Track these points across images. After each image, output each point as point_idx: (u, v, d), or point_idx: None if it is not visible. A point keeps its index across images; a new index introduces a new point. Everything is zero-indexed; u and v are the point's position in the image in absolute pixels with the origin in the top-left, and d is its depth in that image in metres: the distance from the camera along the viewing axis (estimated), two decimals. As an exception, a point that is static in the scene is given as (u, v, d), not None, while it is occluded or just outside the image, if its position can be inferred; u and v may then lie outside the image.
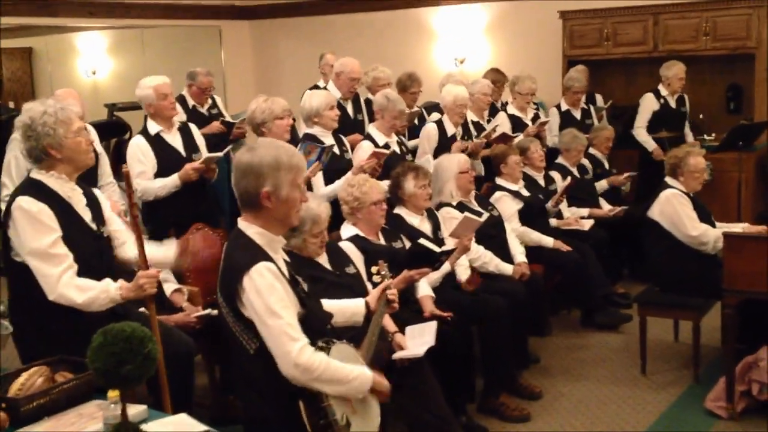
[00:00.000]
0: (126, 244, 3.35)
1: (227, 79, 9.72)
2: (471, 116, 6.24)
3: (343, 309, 3.10)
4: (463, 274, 4.57)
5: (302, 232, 3.58)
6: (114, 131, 9.25)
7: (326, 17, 9.54)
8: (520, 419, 4.33)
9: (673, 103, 7.07)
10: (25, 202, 3.03)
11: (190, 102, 6.42)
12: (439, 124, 5.73)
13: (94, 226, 3.21)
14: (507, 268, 4.87)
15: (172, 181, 4.73)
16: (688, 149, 5.01)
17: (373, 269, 3.33)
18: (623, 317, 5.68)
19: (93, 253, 3.16)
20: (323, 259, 3.75)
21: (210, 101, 6.57)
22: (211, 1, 9.62)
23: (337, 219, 4.27)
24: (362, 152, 5.03)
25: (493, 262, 4.85)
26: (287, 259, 2.81)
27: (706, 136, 7.46)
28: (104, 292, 3.05)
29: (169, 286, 4.20)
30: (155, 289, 3.11)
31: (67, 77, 11.40)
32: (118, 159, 8.46)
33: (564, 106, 7.16)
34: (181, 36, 10.10)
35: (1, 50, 11.62)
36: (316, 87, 6.54)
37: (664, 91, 7.06)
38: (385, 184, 4.61)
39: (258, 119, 4.63)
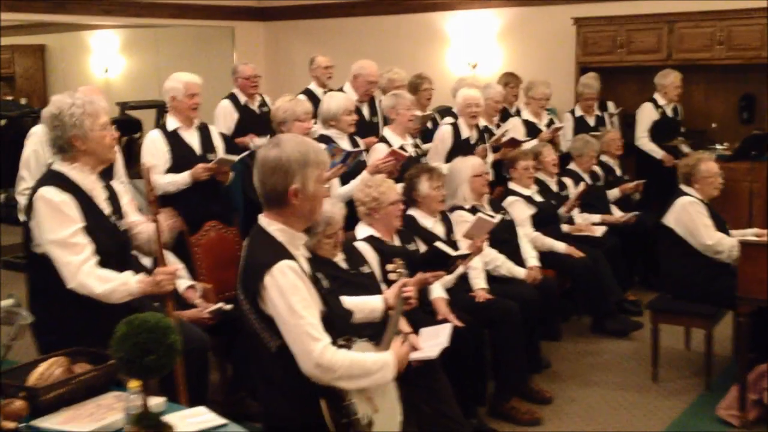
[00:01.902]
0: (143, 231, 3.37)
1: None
2: (481, 122, 6.25)
3: (362, 305, 3.11)
4: (477, 278, 4.56)
5: (316, 233, 3.59)
6: (126, 129, 9.26)
7: (340, 20, 9.56)
8: (531, 423, 4.33)
9: (670, 112, 7.10)
10: (48, 192, 3.03)
11: (242, 99, 6.39)
12: (455, 127, 5.74)
13: (113, 220, 3.22)
14: (519, 272, 4.87)
15: (182, 178, 4.75)
16: (699, 156, 5.00)
17: (389, 266, 3.32)
18: (633, 324, 5.67)
19: (112, 247, 3.16)
20: (339, 258, 3.75)
21: (260, 98, 6.53)
22: (226, 1, 9.64)
23: (351, 220, 4.29)
24: (377, 155, 5.04)
25: (505, 266, 4.84)
26: (309, 255, 2.81)
27: (718, 146, 7.44)
28: (124, 284, 3.06)
29: (183, 283, 4.20)
30: (173, 286, 3.12)
31: (79, 75, 11.45)
32: (129, 157, 8.49)
33: (578, 112, 7.20)
34: (194, 36, 10.13)
35: (15, 47, 11.72)
36: (309, 91, 6.55)
37: (661, 101, 7.07)
38: (400, 186, 4.61)
39: (279, 117, 4.65)
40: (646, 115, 7.09)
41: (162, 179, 4.69)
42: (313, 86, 6.71)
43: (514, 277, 4.85)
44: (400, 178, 4.76)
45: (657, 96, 7.09)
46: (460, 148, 5.57)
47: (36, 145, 4.50)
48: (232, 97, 6.37)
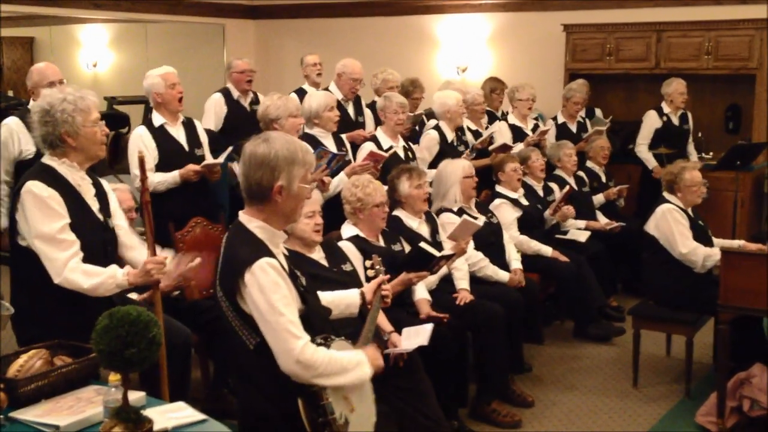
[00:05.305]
0: (131, 249, 3.34)
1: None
2: (468, 124, 6.28)
3: (338, 301, 3.10)
4: (461, 279, 4.58)
5: None
6: (113, 124, 9.21)
7: (331, 20, 9.57)
8: (512, 425, 4.34)
9: (675, 120, 7.12)
10: (35, 186, 3.02)
11: (235, 93, 6.31)
12: (438, 130, 5.75)
13: (101, 216, 3.22)
14: (503, 276, 4.88)
15: (173, 177, 4.73)
16: (683, 164, 5.03)
17: (367, 263, 3.34)
18: (616, 330, 5.70)
19: (98, 243, 3.16)
20: (320, 256, 3.75)
21: (252, 95, 6.51)
22: (217, -2, 9.63)
23: (337, 219, 4.29)
24: (363, 153, 5.05)
25: (490, 268, 4.85)
26: (286, 253, 2.81)
27: (704, 155, 7.50)
28: (111, 277, 3.06)
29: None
30: (163, 275, 3.11)
31: (67, 68, 11.35)
32: (115, 152, 8.45)
33: (561, 119, 7.19)
34: (184, 32, 10.09)
35: (3, 39, 11.64)
36: (301, 90, 6.55)
37: (666, 109, 7.10)
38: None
39: (272, 115, 4.64)
40: (649, 123, 7.12)
41: (152, 177, 4.64)
42: (306, 86, 6.71)
43: (498, 281, 4.86)
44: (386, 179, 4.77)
45: (663, 104, 7.12)
46: (446, 152, 5.57)
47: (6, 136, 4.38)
48: (225, 92, 6.33)
